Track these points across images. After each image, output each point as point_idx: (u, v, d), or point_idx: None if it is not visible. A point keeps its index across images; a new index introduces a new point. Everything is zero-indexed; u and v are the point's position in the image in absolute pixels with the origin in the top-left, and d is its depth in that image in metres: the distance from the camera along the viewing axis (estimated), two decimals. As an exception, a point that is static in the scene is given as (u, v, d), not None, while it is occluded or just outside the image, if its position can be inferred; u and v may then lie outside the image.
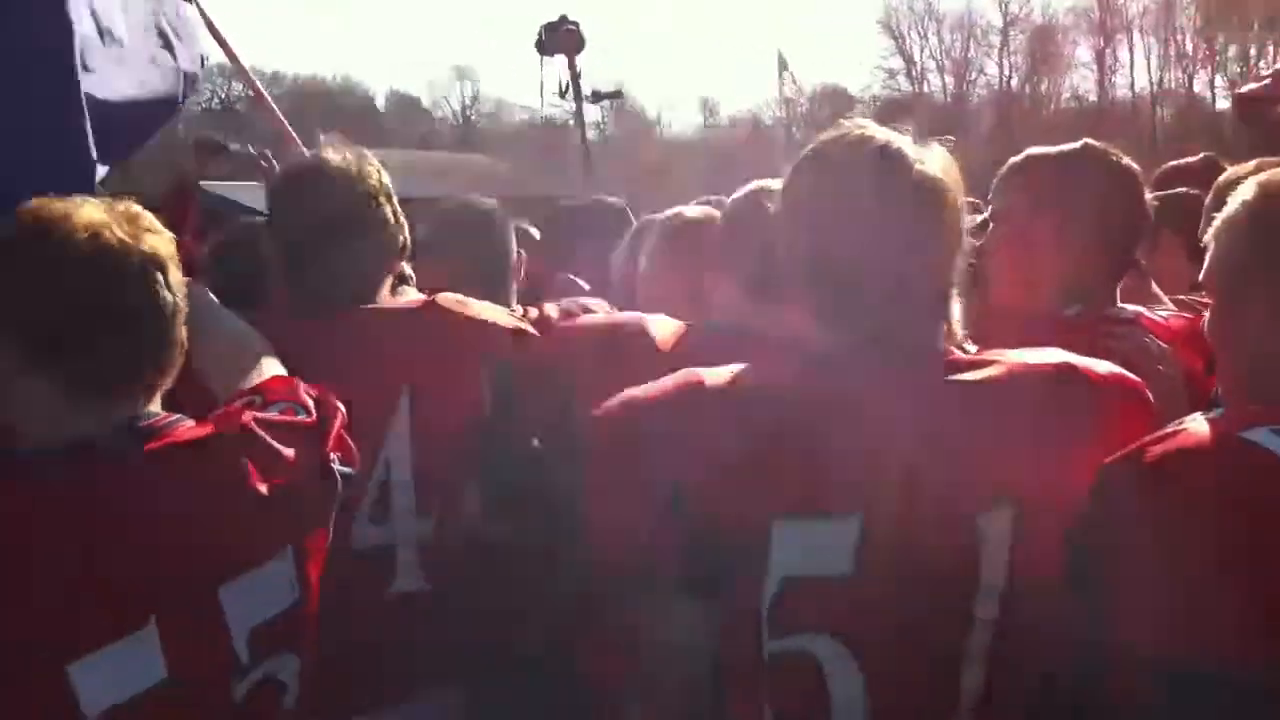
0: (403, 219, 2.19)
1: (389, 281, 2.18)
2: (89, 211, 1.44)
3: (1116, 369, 1.56)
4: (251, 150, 3.99)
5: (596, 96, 7.54)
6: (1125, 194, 2.08)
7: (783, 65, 27.05)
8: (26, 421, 1.46)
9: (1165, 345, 1.90)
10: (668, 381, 1.55)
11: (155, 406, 1.52)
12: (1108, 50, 42.98)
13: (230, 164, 3.42)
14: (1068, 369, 1.49)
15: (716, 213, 2.43)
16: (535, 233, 3.90)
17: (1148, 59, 43.00)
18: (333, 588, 1.79)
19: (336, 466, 1.61)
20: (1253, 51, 39.61)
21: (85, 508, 1.38)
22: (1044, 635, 1.44)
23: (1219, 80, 41.51)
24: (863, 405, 1.45)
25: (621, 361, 2.00)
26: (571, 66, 6.35)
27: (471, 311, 2.15)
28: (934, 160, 1.51)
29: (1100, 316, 1.95)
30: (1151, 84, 42.91)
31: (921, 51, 45.66)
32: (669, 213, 2.73)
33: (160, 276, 1.47)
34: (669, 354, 1.99)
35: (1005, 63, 44.62)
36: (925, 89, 46.02)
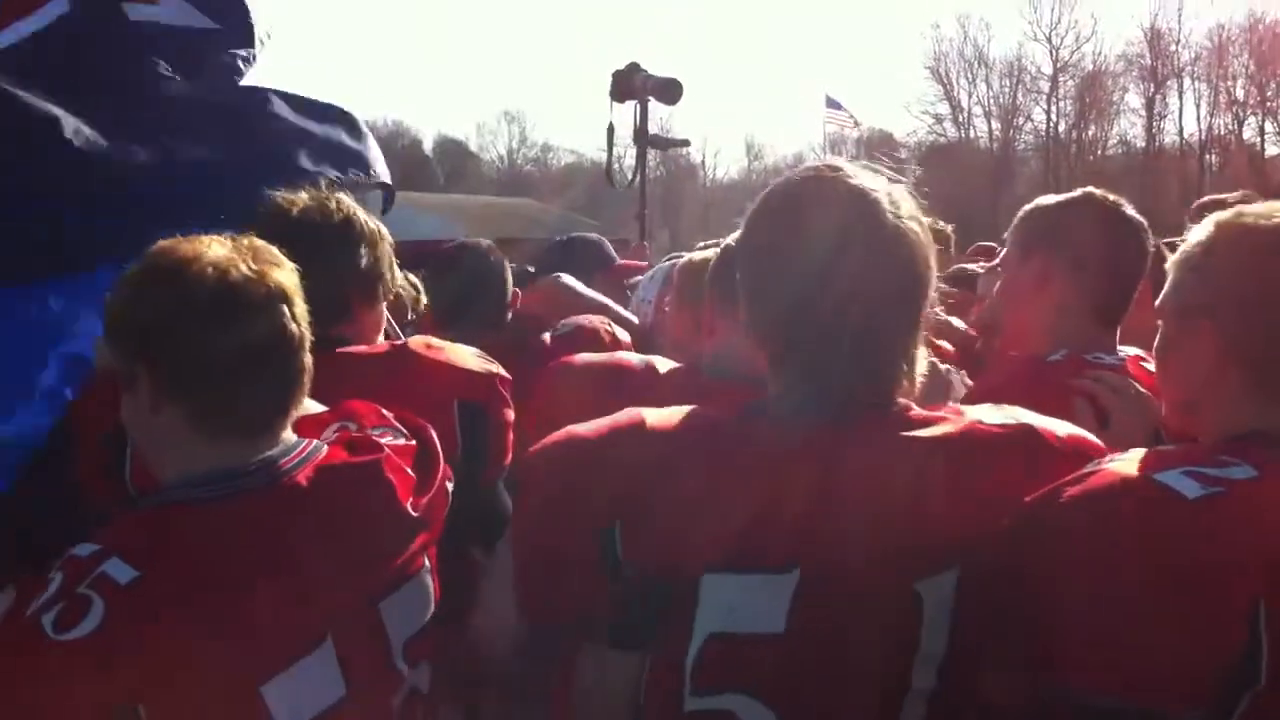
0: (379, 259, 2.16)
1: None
2: (215, 250, 1.47)
3: (1077, 431, 1.47)
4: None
5: (663, 143, 7.36)
6: (1117, 243, 2.05)
7: (835, 105, 27.09)
8: (169, 454, 1.49)
9: (1146, 390, 1.86)
10: (609, 420, 1.47)
11: (289, 434, 1.55)
12: (1158, 96, 42.70)
13: None
14: (1025, 431, 1.42)
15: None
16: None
17: (1197, 105, 42.74)
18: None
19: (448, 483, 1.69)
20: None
21: (259, 535, 1.41)
22: (981, 706, 1.37)
23: (1269, 126, 41.13)
24: (808, 458, 1.36)
25: (615, 400, 2.03)
26: (644, 113, 6.21)
27: (443, 356, 2.13)
28: (905, 206, 1.42)
29: (1081, 361, 1.95)
30: (1200, 130, 42.62)
31: (969, 97, 45.65)
32: (680, 256, 2.79)
33: (286, 309, 1.49)
34: (657, 394, 2.00)
35: (1053, 109, 44.48)
36: (972, 134, 45.98)
